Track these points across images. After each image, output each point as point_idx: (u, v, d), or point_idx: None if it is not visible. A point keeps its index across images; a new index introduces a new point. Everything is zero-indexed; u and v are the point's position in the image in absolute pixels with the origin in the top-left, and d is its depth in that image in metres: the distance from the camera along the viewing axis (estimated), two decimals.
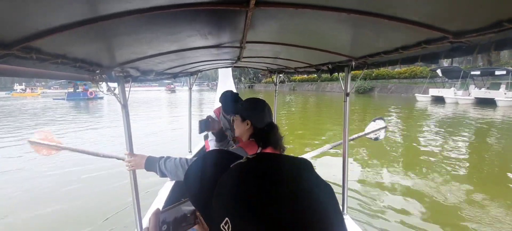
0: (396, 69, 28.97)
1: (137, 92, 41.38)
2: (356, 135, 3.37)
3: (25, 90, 43.75)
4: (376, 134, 3.37)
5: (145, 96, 32.10)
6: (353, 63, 1.51)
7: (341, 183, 1.97)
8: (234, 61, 2.22)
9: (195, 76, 3.47)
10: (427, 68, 25.33)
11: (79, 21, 0.70)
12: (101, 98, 29.41)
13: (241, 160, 0.39)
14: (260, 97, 1.46)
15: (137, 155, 1.45)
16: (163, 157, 1.34)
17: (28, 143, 2.69)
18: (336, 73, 1.88)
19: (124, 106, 1.56)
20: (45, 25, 0.69)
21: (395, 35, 0.99)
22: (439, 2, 0.67)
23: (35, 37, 0.73)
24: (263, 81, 48.64)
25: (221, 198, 0.34)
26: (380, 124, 3.37)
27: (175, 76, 2.75)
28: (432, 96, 20.49)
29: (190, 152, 3.68)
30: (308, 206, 0.30)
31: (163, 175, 1.33)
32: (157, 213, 0.49)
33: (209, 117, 1.64)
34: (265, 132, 1.30)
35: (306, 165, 0.36)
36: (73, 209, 3.87)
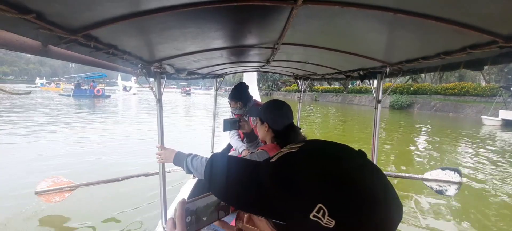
0: (441, 84, 25.97)
1: (145, 93, 39.98)
2: (407, 175, 2.76)
3: (50, 84, 47.00)
4: (441, 186, 2.59)
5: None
6: (388, 69, 1.48)
7: None
8: (263, 64, 2.26)
9: (221, 79, 3.56)
10: (487, 85, 21.66)
11: (133, 12, 0.76)
12: (109, 97, 28.87)
13: (292, 150, 0.36)
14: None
15: (167, 148, 1.51)
16: (191, 154, 1.38)
17: (35, 195, 2.47)
18: (367, 83, 1.85)
19: (159, 100, 1.64)
20: (103, 15, 0.76)
21: (438, 39, 0.96)
22: (492, 1, 0.64)
23: (95, 26, 0.80)
24: (282, 89, 47.95)
25: (300, 188, 0.31)
26: (451, 176, 2.55)
27: (203, 77, 2.85)
28: (503, 119, 15.74)
29: (212, 152, 3.74)
30: (379, 175, 0.32)
31: (189, 171, 1.36)
32: (183, 202, 0.49)
33: (240, 117, 1.68)
34: (284, 134, 1.28)
35: (348, 146, 0.37)
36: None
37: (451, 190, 2.55)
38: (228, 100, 2.40)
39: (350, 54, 1.43)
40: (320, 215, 0.28)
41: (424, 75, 28.10)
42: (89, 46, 0.89)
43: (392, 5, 0.73)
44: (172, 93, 47.28)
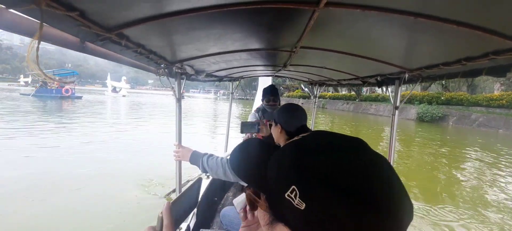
0: (482, 94, 21.82)
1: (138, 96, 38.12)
2: None
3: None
4: None
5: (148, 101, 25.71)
6: (406, 75, 1.47)
7: None
8: (279, 68, 2.29)
9: (237, 82, 3.62)
10: None
11: (162, 13, 0.82)
12: (80, 98, 25.09)
13: (295, 138, 0.42)
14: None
15: (184, 147, 1.56)
16: (207, 153, 1.42)
17: None
18: (383, 91, 1.84)
19: (179, 100, 1.71)
20: (136, 15, 0.82)
21: (459, 44, 0.96)
22: None
23: (127, 25, 0.86)
24: (284, 94, 45.23)
25: (283, 170, 0.37)
26: None
27: (220, 79, 2.92)
28: None
29: (226, 152, 3.81)
30: (373, 172, 0.33)
31: (204, 170, 1.40)
32: (168, 206, 0.57)
33: (259, 121, 1.73)
34: (296, 135, 1.30)
35: (362, 141, 0.38)
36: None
37: None
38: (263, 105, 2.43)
39: (368, 59, 1.43)
40: (293, 196, 0.33)
41: (447, 83, 25.09)
42: (121, 44, 0.95)
43: (413, 9, 0.74)
44: (164, 96, 43.07)
